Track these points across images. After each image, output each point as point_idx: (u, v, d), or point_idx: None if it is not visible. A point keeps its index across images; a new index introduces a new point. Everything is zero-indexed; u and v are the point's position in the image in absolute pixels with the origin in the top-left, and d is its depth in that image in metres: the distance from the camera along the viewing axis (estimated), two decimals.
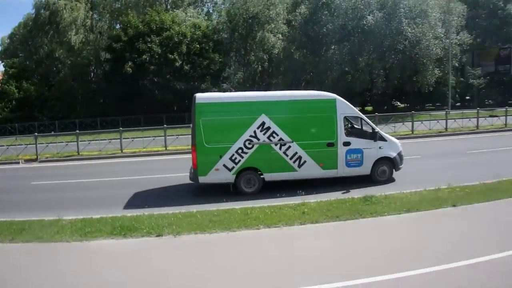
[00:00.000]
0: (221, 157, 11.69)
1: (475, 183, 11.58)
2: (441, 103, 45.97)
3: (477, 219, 8.85)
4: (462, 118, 25.33)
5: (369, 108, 42.62)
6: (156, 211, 10.05)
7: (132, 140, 21.71)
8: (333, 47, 37.95)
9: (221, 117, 11.71)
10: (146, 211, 9.97)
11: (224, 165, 11.73)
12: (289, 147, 11.89)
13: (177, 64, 37.56)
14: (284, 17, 40.28)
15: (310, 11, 39.15)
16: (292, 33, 40.34)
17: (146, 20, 38.64)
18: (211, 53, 38.85)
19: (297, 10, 40.02)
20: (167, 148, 21.06)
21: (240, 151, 11.74)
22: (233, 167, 11.76)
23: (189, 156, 12.73)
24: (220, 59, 39.17)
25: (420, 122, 24.97)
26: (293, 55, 40.38)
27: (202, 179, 11.78)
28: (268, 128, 11.79)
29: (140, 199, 11.76)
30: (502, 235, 7.83)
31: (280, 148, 11.87)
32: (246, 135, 11.72)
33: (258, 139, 11.77)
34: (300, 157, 11.95)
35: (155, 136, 22.14)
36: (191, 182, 12.35)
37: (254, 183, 11.96)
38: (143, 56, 36.48)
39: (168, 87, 37.17)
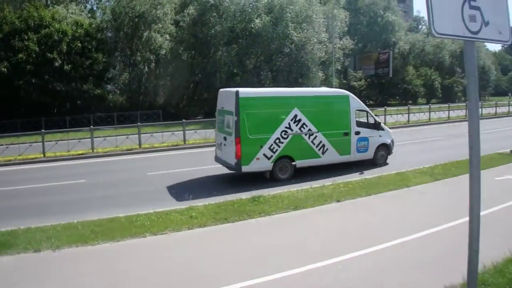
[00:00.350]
0: (261, 147, 13.13)
1: (357, 179, 12.48)
2: None
3: (358, 213, 9.41)
4: None
5: None
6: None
7: (7, 147, 19.73)
8: (221, 49, 38.25)
9: (262, 110, 13.14)
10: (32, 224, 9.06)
11: (264, 154, 13.17)
12: (316, 136, 13.88)
13: (56, 64, 35.04)
14: (172, 17, 39.65)
15: (198, 12, 39.05)
16: (180, 34, 39.89)
17: (24, 16, 35.58)
18: (94, 53, 36.86)
19: (185, 11, 39.64)
20: (46, 155, 19.49)
21: (277, 141, 13.33)
22: (271, 156, 13.26)
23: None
24: (104, 59, 37.34)
25: None
26: (181, 56, 39.94)
27: (244, 168, 12.98)
28: (300, 120, 13.60)
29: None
30: (380, 227, 8.39)
31: (308, 138, 13.78)
32: (282, 127, 13.38)
33: (292, 130, 13.50)
34: (323, 145, 14.03)
35: (32, 142, 20.39)
36: None
37: (287, 170, 13.56)
38: (19, 55, 33.51)
39: (47, 88, 34.55)
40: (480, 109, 37.05)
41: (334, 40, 41.41)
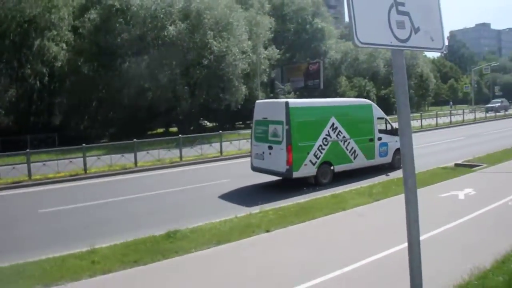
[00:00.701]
0: (308, 153, 16.11)
1: (289, 204, 12.62)
2: (251, 121, 49.21)
3: (289, 245, 9.43)
4: None
5: (174, 129, 43.02)
6: None
7: None
8: (129, 59, 37.57)
9: (307, 119, 16.25)
10: None
11: (310, 161, 16.13)
12: (349, 143, 17.22)
13: None
14: (69, 23, 38.46)
15: (101, 18, 38.11)
16: (79, 43, 38.72)
17: None
18: None
19: (85, 16, 38.53)
20: None
21: (320, 147, 16.40)
22: (315, 162, 16.28)
23: None
24: None
25: (229, 142, 26.24)
26: (81, 68, 38.68)
27: (295, 174, 15.85)
28: (336, 128, 16.84)
29: None
30: (314, 259, 8.44)
31: (343, 144, 17.07)
32: (323, 134, 16.51)
33: (331, 137, 16.67)
34: (355, 151, 17.43)
35: None
36: None
37: (327, 174, 16.68)
38: None
39: None
40: (420, 120, 39.59)
41: (258, 49, 42.21)
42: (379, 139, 18.42)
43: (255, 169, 17.22)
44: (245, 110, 43.53)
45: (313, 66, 57.33)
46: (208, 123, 49.81)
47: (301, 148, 15.92)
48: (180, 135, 25.05)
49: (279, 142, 15.95)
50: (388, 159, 18.90)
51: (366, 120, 18.21)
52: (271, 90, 54.40)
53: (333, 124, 16.73)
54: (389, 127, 19.07)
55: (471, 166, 17.76)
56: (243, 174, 18.25)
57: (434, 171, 17.00)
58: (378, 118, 18.77)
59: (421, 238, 4.72)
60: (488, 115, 53.13)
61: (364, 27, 4.03)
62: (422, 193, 13.13)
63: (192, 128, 41.13)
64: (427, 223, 9.39)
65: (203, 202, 14.49)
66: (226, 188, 16.29)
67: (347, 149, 17.18)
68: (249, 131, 31.87)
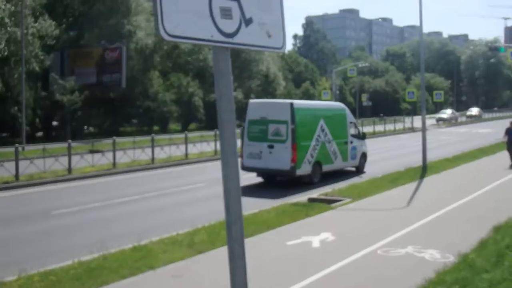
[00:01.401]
0: (306, 152, 24.52)
1: (68, 263, 12.04)
2: (12, 134, 46.80)
3: None
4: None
5: None
6: None
7: None
8: None
9: (306, 120, 24.89)
10: None
11: (307, 159, 24.60)
12: (332, 144, 26.17)
13: None
14: None
15: None
16: None
17: None
18: None
19: None
20: None
21: (314, 147, 25.00)
22: (311, 161, 24.84)
23: None
24: None
25: None
26: None
27: (298, 172, 24.26)
28: (324, 129, 25.70)
29: None
30: None
31: (329, 145, 25.98)
32: (316, 135, 25.26)
33: (321, 138, 25.45)
34: (335, 152, 26.61)
35: None
36: None
37: (318, 174, 25.47)
38: None
39: None
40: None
41: (24, 19, 40.43)
42: (351, 142, 28.10)
43: (247, 168, 24.63)
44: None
45: (112, 52, 55.29)
46: None
47: (302, 147, 24.37)
48: None
49: (283, 141, 23.97)
50: (356, 162, 29.04)
51: (342, 124, 27.94)
52: (43, 87, 51.78)
53: (321, 126, 25.74)
54: (356, 132, 29.49)
55: (329, 202, 19.00)
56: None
57: (283, 208, 17.80)
58: (350, 122, 28.44)
59: None
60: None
61: (175, 13, 4.02)
62: (263, 241, 13.81)
63: None
64: (268, 282, 9.88)
65: None
66: None
67: (331, 150, 26.34)
68: None
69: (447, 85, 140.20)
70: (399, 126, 70.69)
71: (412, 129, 67.52)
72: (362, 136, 29.85)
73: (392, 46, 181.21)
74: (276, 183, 25.60)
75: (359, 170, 29.01)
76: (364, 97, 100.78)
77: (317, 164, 25.24)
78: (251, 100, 27.63)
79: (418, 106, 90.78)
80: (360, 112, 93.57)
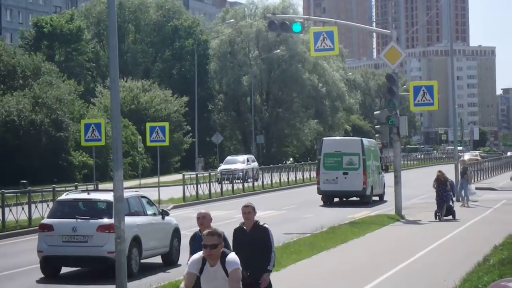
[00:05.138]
0: (369, 178, 34.92)
1: None
2: None
3: None
4: None
5: None
6: None
7: None
8: None
9: (367, 152, 35.55)
10: None
11: (369, 184, 35.12)
12: (374, 173, 36.32)
13: None
14: None
15: None
16: None
17: None
18: None
19: None
20: None
21: (371, 174, 35.71)
22: (371, 185, 35.30)
23: None
24: None
25: None
26: None
27: (367, 192, 34.47)
28: (372, 161, 36.65)
29: None
30: None
31: (373, 174, 36.23)
32: (371, 165, 35.91)
33: (372, 168, 36.43)
34: (375, 180, 36.65)
35: None
36: None
37: (372, 195, 36.23)
38: None
39: None
40: None
41: None
42: (380, 173, 37.39)
43: (324, 192, 34.72)
44: None
45: None
46: None
47: (369, 174, 34.02)
48: None
49: (356, 169, 33.78)
50: (381, 190, 37.50)
51: (377, 157, 38.06)
52: None
53: (372, 159, 35.24)
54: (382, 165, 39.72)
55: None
56: None
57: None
58: (379, 156, 40.87)
59: None
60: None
61: None
62: None
63: None
64: None
65: None
66: None
67: (375, 178, 35.70)
68: None
69: None
70: None
71: None
72: (385, 169, 39.70)
73: None
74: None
75: (381, 198, 37.31)
76: None
77: (371, 188, 35.10)
78: (326, 138, 41.27)
79: None
80: None
